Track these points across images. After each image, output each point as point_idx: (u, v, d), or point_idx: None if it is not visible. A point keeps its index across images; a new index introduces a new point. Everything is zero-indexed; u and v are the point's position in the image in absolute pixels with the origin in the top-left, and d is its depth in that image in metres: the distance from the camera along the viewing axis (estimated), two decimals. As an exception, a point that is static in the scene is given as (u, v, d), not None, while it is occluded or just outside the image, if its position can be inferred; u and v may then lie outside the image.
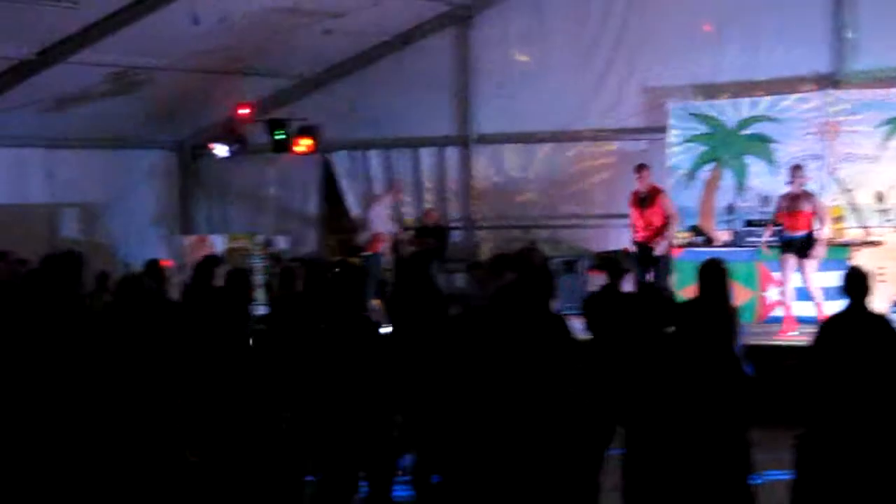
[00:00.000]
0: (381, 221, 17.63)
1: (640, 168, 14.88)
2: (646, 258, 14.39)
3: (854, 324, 7.46)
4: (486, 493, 6.40)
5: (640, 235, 14.63)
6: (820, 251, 13.56)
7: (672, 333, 6.67)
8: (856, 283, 7.61)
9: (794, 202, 13.69)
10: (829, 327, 7.71)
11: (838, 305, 13.55)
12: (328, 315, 7.92)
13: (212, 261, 11.01)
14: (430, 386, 7.61)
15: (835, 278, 13.91)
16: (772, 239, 13.97)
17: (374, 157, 19.38)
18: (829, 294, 13.86)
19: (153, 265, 11.76)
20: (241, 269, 11.31)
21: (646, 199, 14.63)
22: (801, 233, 13.60)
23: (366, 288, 9.63)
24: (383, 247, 17.38)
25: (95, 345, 7.22)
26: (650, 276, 14.21)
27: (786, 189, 13.95)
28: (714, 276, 8.65)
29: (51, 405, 6.94)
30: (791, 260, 13.63)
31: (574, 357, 6.70)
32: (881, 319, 7.48)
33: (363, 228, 18.08)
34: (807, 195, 13.76)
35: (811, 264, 13.53)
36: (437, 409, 7.31)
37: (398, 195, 18.44)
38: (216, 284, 10.18)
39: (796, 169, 13.98)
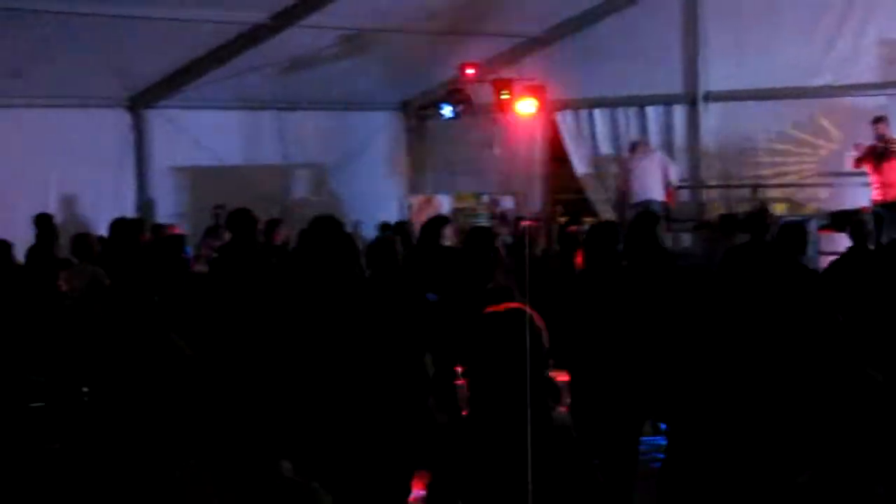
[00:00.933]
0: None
1: (878, 120, 14.29)
2: (881, 218, 13.85)
3: None
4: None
5: (878, 194, 14.07)
6: None
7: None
8: None
9: None
10: None
11: None
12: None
13: (440, 220, 11.05)
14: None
15: None
16: None
17: (600, 117, 19.21)
18: None
19: (401, 227, 11.88)
20: (484, 227, 11.26)
21: (883, 154, 14.02)
22: None
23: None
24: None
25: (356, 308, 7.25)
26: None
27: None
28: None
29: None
30: None
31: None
32: None
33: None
34: None
35: None
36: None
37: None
38: (444, 244, 10.24)
39: None
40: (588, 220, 17.45)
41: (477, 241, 9.29)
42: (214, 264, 11.04)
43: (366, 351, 6.72)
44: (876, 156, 14.06)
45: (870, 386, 5.71)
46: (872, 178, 14.08)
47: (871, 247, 9.20)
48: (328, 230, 7.66)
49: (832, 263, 9.30)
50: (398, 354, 6.86)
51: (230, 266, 10.01)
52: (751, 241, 10.04)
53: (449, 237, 10.38)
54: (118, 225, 11.99)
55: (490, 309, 4.19)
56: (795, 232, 8.49)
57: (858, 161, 14.59)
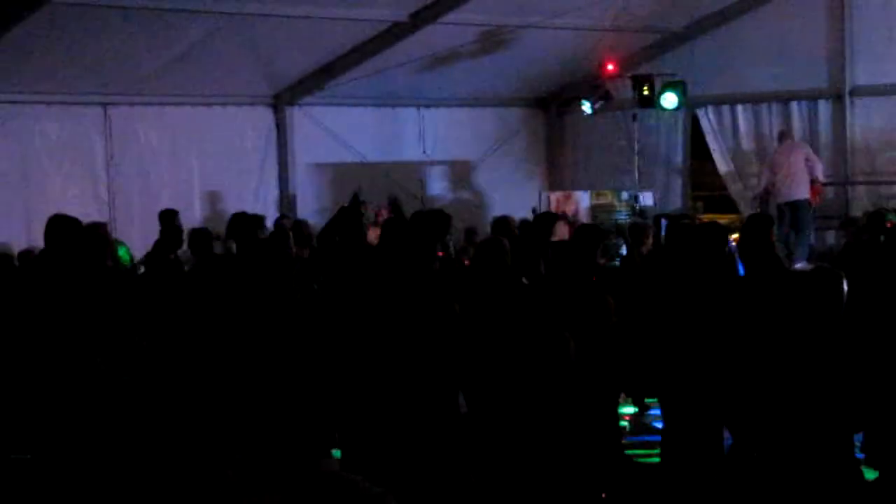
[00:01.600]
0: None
1: None
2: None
3: None
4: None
5: None
6: None
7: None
8: None
9: None
10: None
11: None
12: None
13: (550, 217, 11.07)
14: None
15: None
16: None
17: (742, 113, 18.93)
18: None
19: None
20: (592, 225, 11.26)
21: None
22: None
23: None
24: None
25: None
26: None
27: None
28: None
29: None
30: None
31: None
32: None
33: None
34: None
35: None
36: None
37: None
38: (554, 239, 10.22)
39: None
40: (729, 217, 17.28)
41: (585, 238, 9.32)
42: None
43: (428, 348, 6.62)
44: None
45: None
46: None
47: None
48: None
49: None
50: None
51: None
52: (867, 242, 9.81)
53: (560, 234, 10.37)
54: (237, 220, 12.03)
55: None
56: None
57: None
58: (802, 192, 16.65)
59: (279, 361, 6.64)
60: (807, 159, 16.76)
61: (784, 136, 17.35)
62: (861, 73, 17.67)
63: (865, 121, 17.82)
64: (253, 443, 4.16)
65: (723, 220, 16.91)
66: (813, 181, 16.73)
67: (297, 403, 4.05)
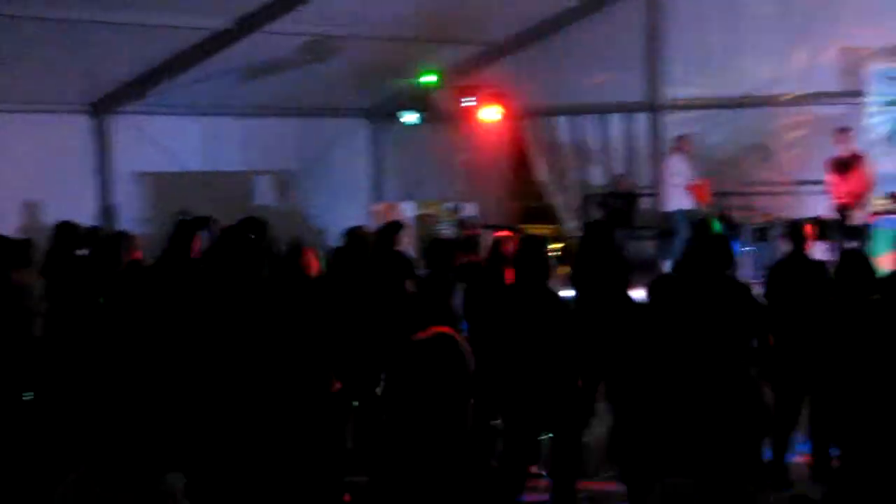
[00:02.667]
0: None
1: (842, 131, 14.48)
2: (846, 225, 13.99)
3: None
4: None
5: (841, 202, 14.22)
6: None
7: (875, 304, 6.52)
8: None
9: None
10: None
11: None
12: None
13: (395, 226, 11.12)
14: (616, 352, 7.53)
15: None
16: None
17: (563, 124, 19.28)
18: None
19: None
20: (442, 238, 11.33)
21: (846, 165, 14.21)
22: None
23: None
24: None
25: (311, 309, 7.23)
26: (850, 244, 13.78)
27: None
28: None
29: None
30: None
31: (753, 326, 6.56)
32: None
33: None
34: None
35: None
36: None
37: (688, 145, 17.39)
38: (399, 249, 10.30)
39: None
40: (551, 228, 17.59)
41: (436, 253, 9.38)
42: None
43: (281, 361, 6.58)
44: (840, 166, 14.26)
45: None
46: (836, 188, 14.27)
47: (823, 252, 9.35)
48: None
49: (771, 269, 9.41)
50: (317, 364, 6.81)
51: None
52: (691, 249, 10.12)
53: (404, 243, 10.46)
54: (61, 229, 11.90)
55: (417, 335, 4.02)
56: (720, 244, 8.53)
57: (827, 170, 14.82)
58: (672, 203, 16.92)
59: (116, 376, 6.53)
60: (672, 166, 17.02)
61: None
62: (676, 87, 18.15)
63: (680, 132, 18.29)
64: (94, 457, 4.09)
65: (543, 229, 17.27)
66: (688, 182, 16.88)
67: (134, 420, 4.01)
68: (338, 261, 9.33)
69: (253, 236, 9.34)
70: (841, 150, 14.30)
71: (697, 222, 12.81)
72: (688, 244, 13.21)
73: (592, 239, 9.81)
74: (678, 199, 16.67)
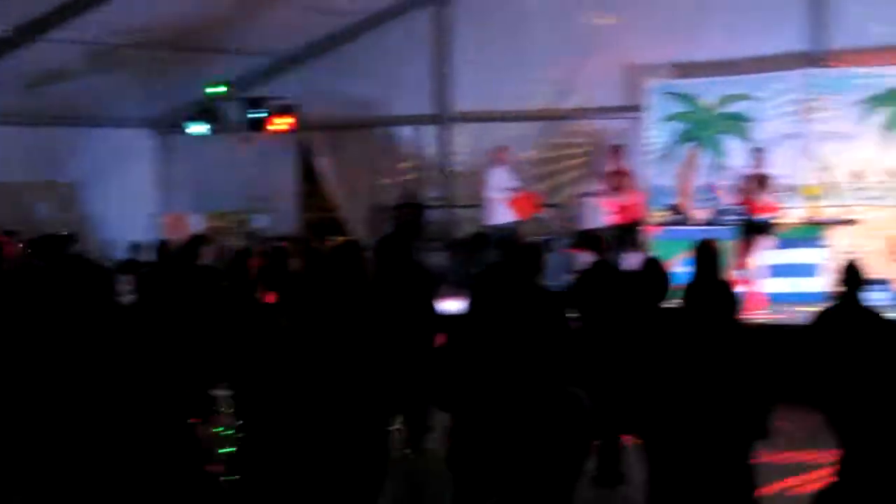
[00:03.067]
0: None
1: (615, 149, 14.92)
2: (621, 240, 14.37)
3: (849, 315, 7.59)
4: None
5: (615, 217, 14.63)
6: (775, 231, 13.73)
7: (672, 313, 6.74)
8: (851, 276, 7.73)
9: (755, 184, 13.80)
10: (826, 318, 7.82)
11: (812, 283, 13.94)
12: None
13: (198, 240, 10.97)
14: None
15: (809, 256, 14.22)
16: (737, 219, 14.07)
17: (352, 136, 19.31)
18: (805, 270, 14.11)
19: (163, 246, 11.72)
20: (246, 250, 11.16)
21: (618, 181, 14.64)
22: (761, 215, 13.70)
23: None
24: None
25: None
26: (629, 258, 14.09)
27: (747, 171, 14.08)
28: (709, 256, 8.62)
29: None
30: (753, 240, 13.70)
31: (569, 335, 6.68)
32: (872, 313, 7.62)
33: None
34: (767, 178, 13.85)
35: (767, 243, 13.62)
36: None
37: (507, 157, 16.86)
38: (202, 263, 10.16)
39: (758, 151, 14.14)
40: (340, 238, 17.56)
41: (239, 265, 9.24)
42: None
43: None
44: (612, 182, 14.66)
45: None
46: (610, 203, 14.66)
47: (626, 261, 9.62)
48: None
49: (577, 278, 9.61)
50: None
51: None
52: (500, 262, 10.26)
53: (207, 256, 10.32)
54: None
55: None
56: (532, 252, 8.73)
57: (602, 185, 15.20)
58: (493, 217, 16.53)
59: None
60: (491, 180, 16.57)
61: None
62: (464, 100, 18.40)
63: (467, 146, 18.57)
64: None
65: (334, 241, 17.24)
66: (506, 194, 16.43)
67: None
68: (148, 278, 9.06)
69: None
70: (613, 167, 14.71)
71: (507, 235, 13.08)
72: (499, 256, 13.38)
73: (388, 254, 9.80)
74: (498, 212, 16.42)
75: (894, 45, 15.40)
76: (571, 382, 6.44)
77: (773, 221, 13.87)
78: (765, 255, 13.72)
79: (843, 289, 7.78)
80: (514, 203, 15.96)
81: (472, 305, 6.75)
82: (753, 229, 13.71)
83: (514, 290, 6.84)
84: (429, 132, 18.84)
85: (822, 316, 7.88)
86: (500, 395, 6.29)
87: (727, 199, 14.53)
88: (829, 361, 7.51)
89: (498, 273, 6.89)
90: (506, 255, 9.39)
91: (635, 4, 16.99)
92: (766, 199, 13.79)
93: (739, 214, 13.98)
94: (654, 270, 7.20)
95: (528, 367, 6.31)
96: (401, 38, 18.53)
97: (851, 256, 8.14)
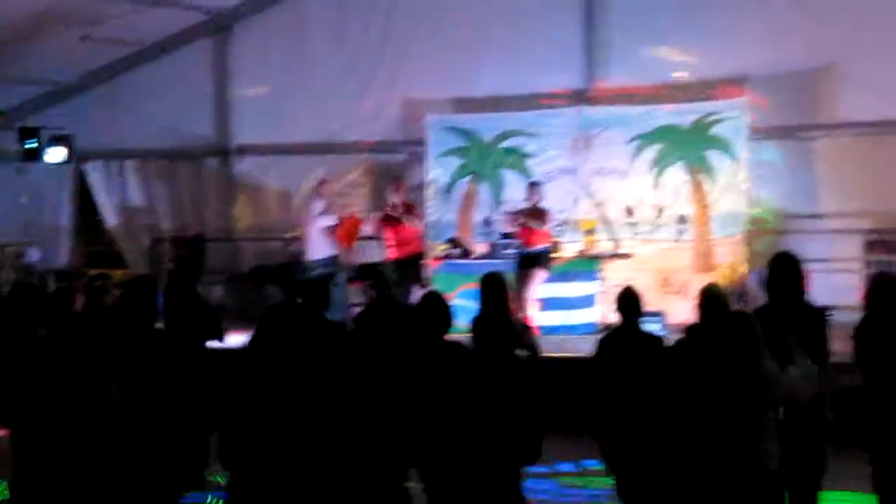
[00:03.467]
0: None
1: (397, 182, 15.03)
2: (403, 274, 14.43)
3: (627, 341, 7.80)
4: None
5: (396, 251, 14.67)
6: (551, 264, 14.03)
7: (455, 346, 6.85)
8: (628, 303, 7.95)
9: (531, 218, 14.08)
10: (605, 344, 8.02)
11: (585, 315, 14.30)
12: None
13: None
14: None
15: (585, 289, 14.58)
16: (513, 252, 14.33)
17: (131, 168, 18.97)
18: (580, 303, 14.44)
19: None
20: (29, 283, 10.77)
21: (398, 217, 14.69)
22: (537, 247, 14.00)
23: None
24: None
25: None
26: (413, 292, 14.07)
27: (523, 205, 14.35)
28: (495, 288, 8.69)
29: None
30: (530, 273, 13.95)
31: (355, 370, 6.67)
32: (652, 338, 7.87)
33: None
34: (542, 211, 14.15)
35: (541, 276, 13.92)
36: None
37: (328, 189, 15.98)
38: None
39: (533, 186, 14.43)
40: (119, 272, 17.22)
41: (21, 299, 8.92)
42: None
43: None
44: (392, 218, 14.69)
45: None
46: (388, 238, 14.70)
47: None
48: None
49: (360, 312, 9.65)
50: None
51: None
52: (285, 300, 10.22)
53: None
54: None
55: None
56: (318, 287, 8.77)
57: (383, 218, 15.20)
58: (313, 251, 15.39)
59: None
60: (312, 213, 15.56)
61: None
62: (245, 133, 18.31)
63: (249, 178, 18.46)
64: None
65: (113, 274, 16.89)
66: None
67: None
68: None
69: None
70: (396, 200, 14.76)
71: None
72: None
73: (175, 289, 9.64)
74: (318, 245, 15.30)
75: (665, 84, 16.02)
76: (362, 417, 6.46)
77: (549, 254, 14.16)
78: (540, 287, 13.99)
79: (621, 316, 8.01)
80: (335, 233, 15.48)
81: (256, 339, 6.70)
82: (530, 262, 13.97)
83: (301, 324, 6.82)
84: (210, 164, 18.65)
85: (603, 343, 8.10)
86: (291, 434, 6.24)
87: (505, 232, 14.79)
88: (607, 387, 7.75)
89: (285, 307, 6.86)
90: (291, 289, 9.40)
91: (415, 39, 17.20)
92: (541, 231, 14.08)
93: (517, 247, 14.24)
94: (435, 304, 7.24)
95: (318, 402, 6.29)
96: (182, 69, 18.32)
97: (627, 285, 8.36)
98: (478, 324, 6.95)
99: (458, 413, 6.47)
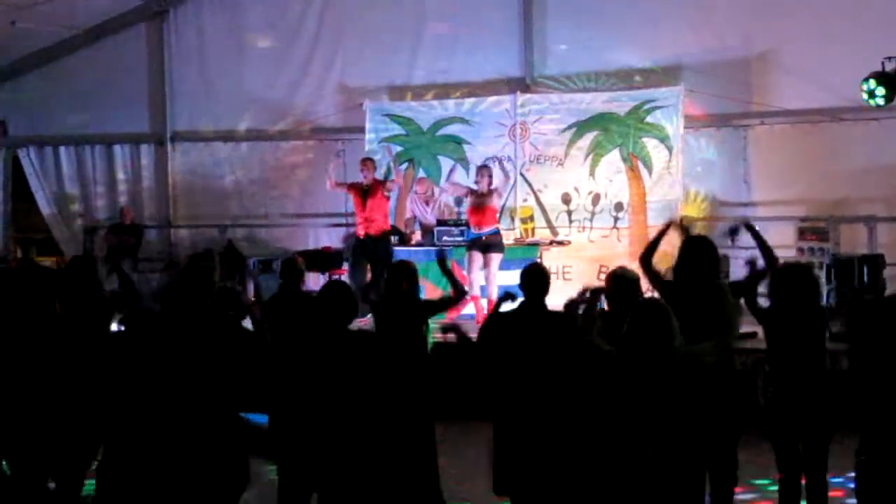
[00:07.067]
0: None
1: (365, 161, 14.91)
2: (369, 253, 14.35)
3: (528, 320, 7.62)
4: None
5: (363, 229, 14.58)
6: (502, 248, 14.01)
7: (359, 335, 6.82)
8: (532, 280, 7.78)
9: (480, 200, 14.05)
10: (497, 323, 7.87)
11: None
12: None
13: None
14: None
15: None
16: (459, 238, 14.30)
17: (66, 154, 18.77)
18: (517, 290, 14.41)
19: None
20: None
21: (367, 192, 14.59)
22: (486, 230, 13.96)
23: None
24: None
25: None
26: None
27: (473, 188, 14.28)
28: (404, 275, 8.68)
29: None
30: (476, 256, 13.96)
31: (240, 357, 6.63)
32: (556, 315, 7.59)
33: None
34: (491, 194, 14.10)
35: (495, 260, 13.90)
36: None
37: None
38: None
39: (482, 169, 14.37)
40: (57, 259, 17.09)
41: None
42: None
43: None
44: (361, 192, 14.57)
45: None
46: (358, 214, 14.61)
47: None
48: None
49: (266, 301, 9.55)
50: None
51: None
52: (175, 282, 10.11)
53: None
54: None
55: None
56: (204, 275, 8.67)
57: (341, 185, 15.14)
58: None
59: None
60: None
61: None
62: (182, 119, 18.18)
63: (185, 165, 18.34)
64: None
65: (46, 261, 16.76)
66: None
67: None
68: None
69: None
70: (364, 179, 14.64)
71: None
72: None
73: (75, 274, 9.50)
74: None
75: (601, 72, 16.08)
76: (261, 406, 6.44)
77: (499, 235, 14.10)
78: (493, 271, 13.86)
79: (525, 293, 7.77)
80: None
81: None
82: (484, 246, 13.88)
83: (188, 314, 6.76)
84: (146, 151, 18.50)
85: (495, 320, 7.87)
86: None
87: (444, 218, 14.78)
88: (499, 369, 7.56)
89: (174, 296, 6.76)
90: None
91: (352, 26, 17.17)
92: (493, 212, 14.04)
93: (460, 233, 14.22)
94: (337, 292, 7.14)
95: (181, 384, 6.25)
96: (118, 55, 18.15)
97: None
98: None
99: (358, 402, 6.39)
